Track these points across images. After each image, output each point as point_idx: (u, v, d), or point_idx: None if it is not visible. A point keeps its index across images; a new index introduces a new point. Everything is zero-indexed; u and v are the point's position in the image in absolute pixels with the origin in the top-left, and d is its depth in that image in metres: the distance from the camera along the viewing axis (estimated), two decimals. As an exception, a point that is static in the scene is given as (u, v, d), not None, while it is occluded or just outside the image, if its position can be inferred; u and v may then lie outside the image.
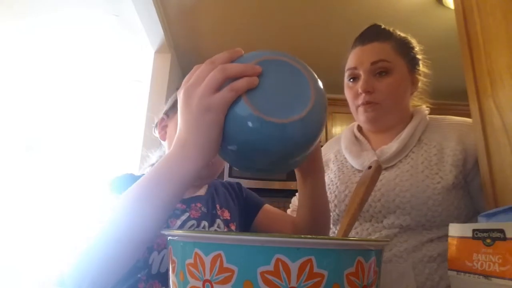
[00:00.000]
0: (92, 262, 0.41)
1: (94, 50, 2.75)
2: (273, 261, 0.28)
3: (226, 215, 0.74)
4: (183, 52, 2.74)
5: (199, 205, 0.71)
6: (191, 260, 0.31)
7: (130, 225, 0.40)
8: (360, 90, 0.78)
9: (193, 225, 0.67)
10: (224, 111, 0.39)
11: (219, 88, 0.39)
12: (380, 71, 0.78)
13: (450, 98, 2.61)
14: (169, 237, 0.35)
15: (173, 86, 2.79)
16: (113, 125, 3.56)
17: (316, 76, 0.44)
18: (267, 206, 0.81)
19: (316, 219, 0.63)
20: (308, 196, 0.62)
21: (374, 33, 0.82)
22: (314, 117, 0.41)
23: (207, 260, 0.29)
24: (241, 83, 0.38)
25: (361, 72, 0.79)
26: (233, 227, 0.73)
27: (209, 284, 0.29)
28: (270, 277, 0.28)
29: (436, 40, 2.35)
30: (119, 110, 3.52)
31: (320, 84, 0.44)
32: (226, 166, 2.72)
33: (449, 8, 2.12)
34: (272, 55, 0.42)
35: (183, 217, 0.67)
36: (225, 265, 0.29)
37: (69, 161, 3.35)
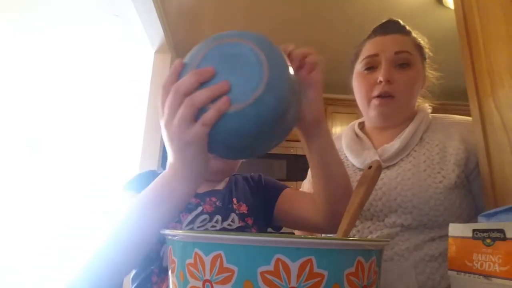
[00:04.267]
0: (99, 266, 0.45)
1: (94, 50, 2.75)
2: (273, 261, 0.28)
3: (243, 209, 0.72)
4: (183, 52, 2.73)
5: (214, 199, 0.70)
6: (191, 260, 0.31)
7: (131, 238, 0.45)
8: (380, 79, 0.75)
9: (205, 219, 0.66)
10: (202, 142, 0.41)
11: (193, 120, 0.40)
12: (401, 62, 0.76)
13: (450, 98, 2.61)
14: (169, 237, 0.35)
15: (173, 86, 2.78)
16: (113, 125, 3.57)
17: (276, 49, 0.44)
18: (287, 190, 0.77)
19: (333, 189, 0.60)
20: (318, 164, 0.59)
21: (396, 26, 0.81)
22: (271, 93, 0.40)
23: (207, 260, 0.29)
24: (210, 116, 0.39)
25: (382, 60, 0.76)
26: (249, 221, 0.70)
27: (209, 284, 0.29)
28: (270, 277, 0.28)
29: (436, 40, 2.35)
30: (119, 110, 3.51)
31: (279, 57, 0.43)
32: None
33: (449, 8, 2.12)
34: (217, 40, 0.43)
35: (196, 212, 0.66)
36: (225, 265, 0.29)
37: (69, 161, 3.35)
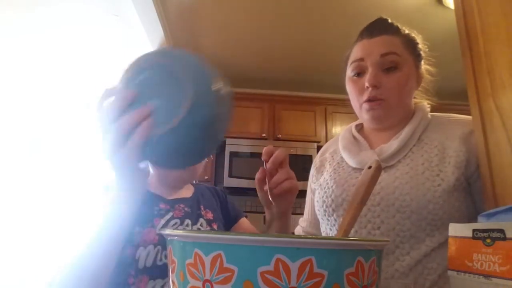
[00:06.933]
0: (76, 273, 0.50)
1: (94, 50, 2.75)
2: (273, 261, 0.28)
3: (209, 215, 0.78)
4: (183, 52, 2.74)
5: (182, 205, 0.76)
6: (191, 260, 0.31)
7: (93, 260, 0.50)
8: (367, 84, 0.74)
9: (176, 223, 0.71)
10: (133, 162, 0.45)
11: (122, 143, 0.44)
12: (388, 66, 0.74)
13: (450, 98, 2.61)
14: (169, 237, 0.35)
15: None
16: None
17: (202, 70, 0.46)
18: (242, 221, 0.86)
19: None
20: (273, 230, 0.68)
21: (383, 26, 0.79)
22: (192, 116, 0.43)
23: (207, 260, 0.29)
24: (134, 141, 0.43)
25: (368, 65, 0.75)
26: (215, 226, 0.77)
27: (209, 284, 0.29)
28: (270, 277, 0.28)
29: (436, 40, 2.35)
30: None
31: (204, 78, 0.46)
32: (226, 167, 2.72)
33: (449, 8, 2.12)
34: (146, 62, 0.46)
35: (167, 216, 0.71)
36: (225, 265, 0.29)
37: (69, 161, 3.36)
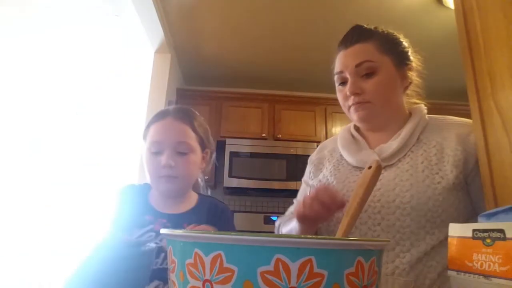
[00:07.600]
0: None
1: (94, 50, 2.75)
2: (273, 261, 0.28)
3: None
4: (183, 52, 2.74)
5: (164, 220, 0.81)
6: (191, 260, 0.31)
7: None
8: (348, 93, 0.79)
9: (151, 235, 0.78)
10: None
11: None
12: (366, 72, 0.77)
13: (450, 98, 2.62)
14: (169, 237, 0.35)
15: (173, 86, 2.79)
16: (113, 125, 3.57)
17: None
18: None
19: None
20: None
21: (356, 35, 0.81)
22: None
23: (207, 260, 0.29)
24: None
25: (347, 75, 0.79)
26: None
27: (209, 284, 0.29)
28: (270, 277, 0.28)
29: (436, 40, 2.35)
30: (119, 110, 3.51)
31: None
32: (226, 167, 2.72)
33: (449, 8, 2.12)
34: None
35: (147, 228, 0.78)
36: (225, 265, 0.29)
37: (69, 161, 3.36)
